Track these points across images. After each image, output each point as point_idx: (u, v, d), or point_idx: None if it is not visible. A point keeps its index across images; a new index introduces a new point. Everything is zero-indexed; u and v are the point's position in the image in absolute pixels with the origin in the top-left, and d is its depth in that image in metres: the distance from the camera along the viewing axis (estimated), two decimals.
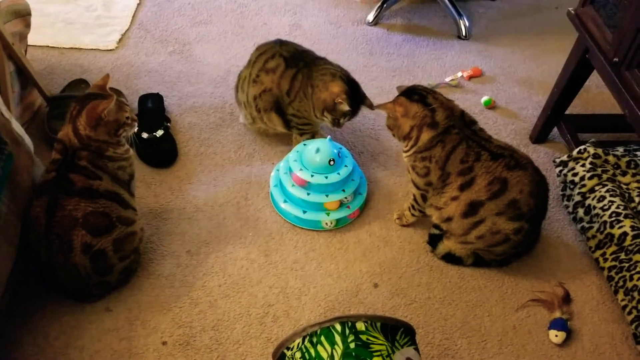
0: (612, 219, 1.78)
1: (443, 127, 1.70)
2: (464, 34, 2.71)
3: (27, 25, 2.13)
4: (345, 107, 1.86)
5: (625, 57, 1.69)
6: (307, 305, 1.71)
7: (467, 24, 2.72)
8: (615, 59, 1.73)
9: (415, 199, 1.84)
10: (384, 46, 2.65)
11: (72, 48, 2.49)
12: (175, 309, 1.67)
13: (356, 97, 1.90)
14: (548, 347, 1.66)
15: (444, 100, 1.75)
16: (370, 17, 2.75)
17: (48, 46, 2.49)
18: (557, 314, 1.70)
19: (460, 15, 2.72)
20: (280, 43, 2.01)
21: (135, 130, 1.73)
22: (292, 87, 1.94)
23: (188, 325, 1.64)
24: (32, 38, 2.24)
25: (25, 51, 2.13)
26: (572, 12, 1.93)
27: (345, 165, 1.88)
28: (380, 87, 2.42)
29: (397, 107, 1.75)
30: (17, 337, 1.58)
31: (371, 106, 1.93)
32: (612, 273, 1.75)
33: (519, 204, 1.65)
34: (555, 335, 1.66)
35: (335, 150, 1.87)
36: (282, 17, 2.76)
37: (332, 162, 1.84)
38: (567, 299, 1.76)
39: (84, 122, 1.58)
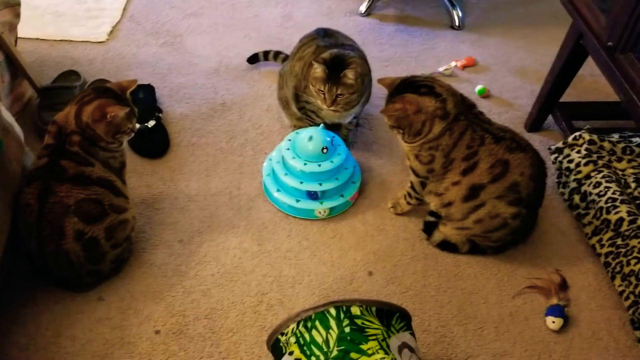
0: (609, 204, 1.77)
1: (453, 116, 1.66)
2: (457, 24, 2.70)
3: (17, 15, 2.10)
4: (317, 71, 1.83)
5: (620, 40, 1.68)
6: (301, 294, 1.70)
7: (460, 14, 2.71)
8: (610, 43, 1.72)
9: (412, 187, 1.82)
10: (376, 37, 2.63)
11: (62, 40, 2.48)
12: (168, 298, 1.66)
13: (337, 65, 1.83)
14: (545, 334, 1.65)
15: (447, 86, 1.70)
16: (363, 8, 2.74)
17: (38, 38, 2.47)
18: (554, 301, 1.69)
19: (453, 5, 2.71)
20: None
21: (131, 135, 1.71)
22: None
23: (181, 314, 1.62)
24: (22, 30, 2.22)
25: (15, 42, 2.11)
26: None
27: (339, 154, 1.87)
28: (373, 77, 2.40)
29: (407, 106, 1.66)
30: (8, 327, 1.56)
31: (355, 68, 1.83)
32: (609, 259, 1.74)
33: (519, 187, 1.64)
34: (553, 322, 1.65)
35: (328, 138, 1.85)
36: (273, 9, 2.75)
37: (325, 150, 1.83)
38: (563, 285, 1.75)
39: (89, 112, 1.57)
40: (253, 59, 2.41)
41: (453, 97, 1.68)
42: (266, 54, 2.39)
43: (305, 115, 2.02)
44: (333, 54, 1.84)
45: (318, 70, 1.83)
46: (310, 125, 2.02)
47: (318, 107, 1.93)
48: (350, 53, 1.88)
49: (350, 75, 1.82)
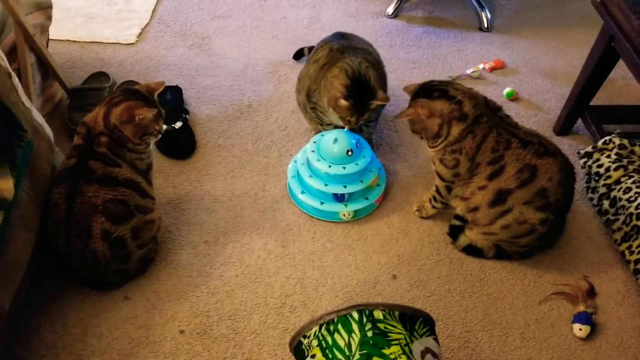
0: (639, 210, 1.74)
1: (472, 118, 1.65)
2: (485, 25, 2.67)
3: (49, 18, 2.14)
4: (342, 103, 1.78)
5: None
6: (325, 296, 1.69)
7: (489, 15, 2.68)
8: None
9: (438, 191, 1.80)
10: (403, 38, 2.62)
11: (92, 42, 2.51)
12: (193, 298, 1.67)
13: (362, 93, 1.79)
14: (572, 341, 1.62)
15: (465, 89, 1.70)
16: (390, 10, 2.72)
17: (69, 40, 2.51)
18: (581, 308, 1.66)
19: (482, 7, 2.68)
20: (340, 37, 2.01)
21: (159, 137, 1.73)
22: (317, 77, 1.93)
23: (205, 315, 1.63)
24: (54, 32, 2.26)
25: (47, 44, 2.15)
26: None
27: (364, 156, 1.86)
28: (399, 80, 2.39)
29: (419, 110, 1.67)
30: (36, 324, 1.59)
31: (384, 99, 1.82)
32: (639, 266, 1.70)
33: (547, 193, 1.62)
34: (580, 329, 1.62)
35: (353, 141, 1.85)
36: (301, 11, 2.75)
37: (350, 153, 1.82)
38: (591, 292, 1.72)
39: (117, 113, 1.59)
40: (298, 55, 2.45)
41: (471, 99, 1.66)
42: (310, 49, 2.40)
43: (314, 114, 2.01)
44: (354, 79, 1.78)
45: (343, 103, 1.79)
46: (319, 125, 2.03)
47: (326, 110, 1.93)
48: (369, 70, 1.83)
49: (376, 103, 1.82)
